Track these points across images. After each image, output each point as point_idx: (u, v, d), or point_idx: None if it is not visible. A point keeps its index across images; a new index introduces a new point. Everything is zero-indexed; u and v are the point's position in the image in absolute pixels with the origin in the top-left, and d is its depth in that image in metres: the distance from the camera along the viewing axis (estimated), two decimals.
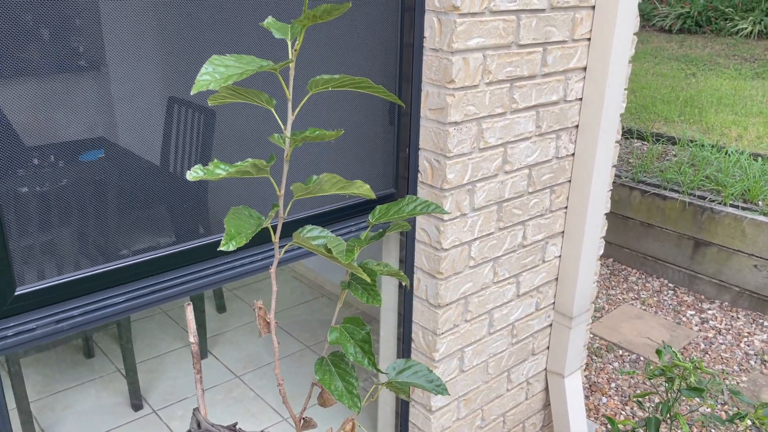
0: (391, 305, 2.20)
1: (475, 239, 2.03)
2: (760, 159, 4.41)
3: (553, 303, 2.46)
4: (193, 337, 0.97)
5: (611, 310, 3.85)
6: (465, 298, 2.08)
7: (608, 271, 4.34)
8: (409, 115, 1.88)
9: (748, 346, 3.49)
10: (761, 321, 3.71)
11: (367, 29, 1.76)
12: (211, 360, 3.13)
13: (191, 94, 0.79)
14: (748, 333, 3.61)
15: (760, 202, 3.87)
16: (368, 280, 0.93)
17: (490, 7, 1.75)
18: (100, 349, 3.18)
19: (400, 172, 1.98)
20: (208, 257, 1.60)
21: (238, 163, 0.87)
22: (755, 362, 3.34)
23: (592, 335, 3.58)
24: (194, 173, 0.84)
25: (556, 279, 2.43)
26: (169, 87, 1.53)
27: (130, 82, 1.44)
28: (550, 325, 2.49)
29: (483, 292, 2.13)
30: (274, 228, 1.01)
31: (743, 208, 3.81)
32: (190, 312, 0.97)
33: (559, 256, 2.39)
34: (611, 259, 4.49)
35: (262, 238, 1.69)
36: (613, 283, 4.19)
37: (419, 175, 1.95)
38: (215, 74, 0.82)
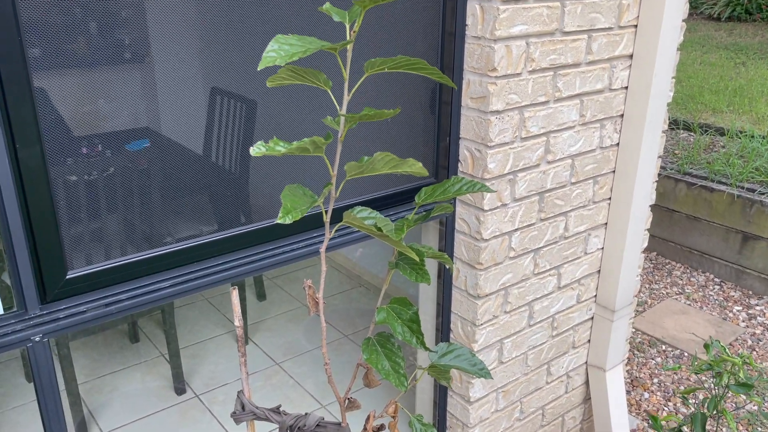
0: (430, 295, 2.19)
1: (516, 230, 2.01)
2: None
3: (595, 296, 2.42)
4: (238, 321, 0.99)
5: (654, 305, 3.76)
6: (505, 290, 2.06)
7: (651, 265, 4.25)
8: (450, 104, 1.87)
9: None
10: None
11: (409, 17, 1.75)
12: (251, 347, 3.18)
13: (258, 69, 0.82)
14: None
15: None
16: (416, 258, 0.94)
17: None
18: (145, 334, 3.26)
19: (440, 162, 1.97)
20: (251, 244, 1.62)
21: (297, 141, 0.89)
22: None
23: (634, 330, 3.51)
24: (257, 149, 0.87)
25: (598, 271, 2.39)
26: (212, 77, 1.55)
27: (174, 73, 1.46)
28: (592, 318, 2.45)
29: (523, 284, 2.11)
30: (325, 209, 1.02)
31: None
32: (235, 296, 0.98)
33: (602, 248, 2.35)
34: (655, 253, 4.39)
35: (306, 224, 1.70)
36: (656, 277, 4.10)
37: (459, 164, 1.94)
38: (281, 51, 0.84)
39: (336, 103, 0.93)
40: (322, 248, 0.99)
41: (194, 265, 1.53)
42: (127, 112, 1.43)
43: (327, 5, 0.92)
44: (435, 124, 1.93)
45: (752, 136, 4.55)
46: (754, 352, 3.30)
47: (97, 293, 1.40)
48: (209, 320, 3.39)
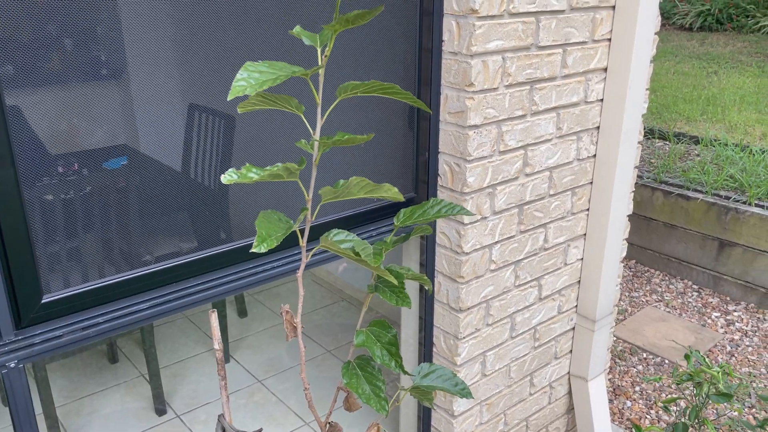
0: (412, 310, 2.19)
1: (496, 242, 2.02)
2: None
3: (576, 306, 2.44)
4: (217, 344, 0.98)
5: (634, 313, 3.80)
6: (486, 302, 2.07)
7: (631, 273, 4.29)
8: (429, 119, 1.88)
9: None
10: None
11: (386, 33, 1.76)
12: (233, 364, 3.15)
13: (228, 99, 0.80)
14: None
15: None
16: (395, 282, 0.93)
17: (509, 9, 1.74)
18: (124, 354, 3.21)
19: (420, 176, 1.98)
20: (231, 263, 1.61)
21: (270, 167, 0.88)
22: None
23: (615, 338, 3.54)
24: (228, 176, 0.86)
25: (579, 282, 2.41)
26: (190, 94, 1.54)
27: (151, 89, 1.45)
28: (573, 328, 2.47)
29: (504, 296, 2.12)
30: (301, 232, 1.01)
31: None
32: (214, 319, 0.97)
33: (581, 258, 2.37)
34: (634, 261, 4.44)
35: (284, 244, 1.69)
36: (636, 285, 4.14)
37: (439, 178, 1.94)
38: (250, 80, 0.83)
39: (309, 128, 0.92)
40: (299, 272, 0.99)
41: (173, 286, 1.51)
42: (104, 129, 1.42)
43: (297, 28, 0.92)
44: (414, 138, 1.94)
45: (726, 144, 4.63)
46: (733, 358, 3.34)
47: (74, 317, 1.38)
48: (189, 338, 3.35)
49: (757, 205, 3.79)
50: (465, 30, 1.70)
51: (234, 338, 3.36)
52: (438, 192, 1.97)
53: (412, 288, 2.17)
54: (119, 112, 1.43)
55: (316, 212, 0.97)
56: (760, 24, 8.98)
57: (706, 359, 1.96)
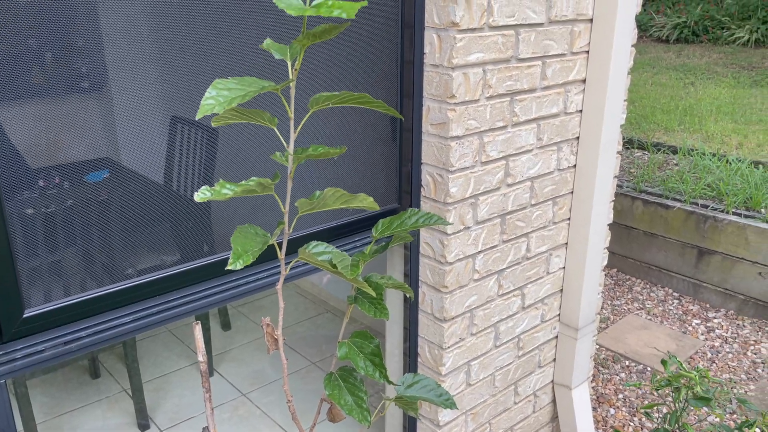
0: (397, 319, 2.20)
1: (479, 252, 2.04)
2: (761, 167, 4.42)
3: (559, 315, 2.46)
4: (201, 356, 0.98)
5: (617, 321, 3.84)
6: (470, 312, 2.08)
7: (612, 282, 4.34)
8: (411, 131, 1.90)
9: (755, 354, 3.47)
10: (767, 329, 3.70)
11: (368, 46, 1.78)
12: (216, 378, 3.12)
13: (196, 118, 0.80)
14: (755, 341, 3.59)
15: (762, 210, 3.87)
16: (373, 294, 0.94)
17: (489, 23, 1.77)
18: (106, 369, 3.17)
19: (403, 187, 1.99)
20: (213, 276, 1.61)
21: (244, 183, 0.88)
22: (763, 370, 3.33)
23: (598, 346, 3.57)
24: (202, 194, 0.86)
25: (561, 290, 2.43)
26: (171, 106, 1.55)
27: (133, 102, 1.46)
28: (556, 337, 2.49)
29: (488, 305, 2.13)
30: (280, 245, 1.02)
31: (746, 216, 3.82)
32: (198, 331, 0.97)
33: (563, 267, 2.39)
34: (615, 269, 4.48)
35: (266, 256, 1.69)
36: (617, 293, 4.18)
37: (422, 189, 1.96)
38: (219, 98, 0.83)
39: (283, 141, 0.93)
40: (278, 285, 0.99)
41: (156, 299, 1.51)
42: (85, 142, 1.42)
43: (267, 42, 0.93)
44: (397, 150, 1.95)
45: (703, 154, 4.71)
46: (714, 365, 3.38)
47: (56, 331, 1.37)
48: (172, 352, 3.32)
49: (734, 214, 3.86)
50: (446, 43, 1.73)
51: (218, 351, 3.33)
52: (421, 202, 1.98)
53: (396, 298, 2.18)
54: (100, 124, 1.43)
55: (293, 225, 0.98)
56: (734, 36, 9.17)
57: (684, 364, 1.99)
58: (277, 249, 0.97)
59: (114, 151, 1.46)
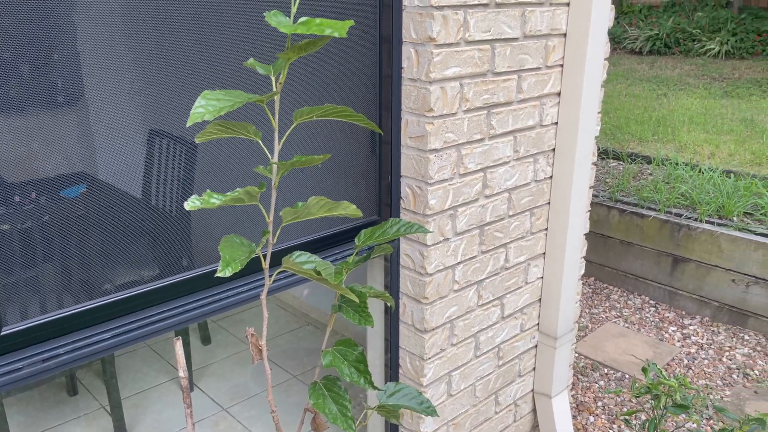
0: (378, 331, 2.21)
1: (459, 263, 2.06)
2: (732, 176, 4.52)
3: (538, 324, 2.49)
4: (182, 372, 0.98)
5: (595, 329, 3.88)
6: (451, 322, 2.10)
7: (590, 290, 4.39)
8: (390, 143, 1.92)
9: (730, 360, 3.54)
10: (741, 335, 3.77)
11: (348, 60, 1.80)
12: (197, 393, 3.09)
13: (187, 126, 0.82)
14: (730, 347, 3.66)
15: (734, 218, 3.96)
16: (357, 300, 0.96)
17: (465, 38, 1.80)
18: (84, 386, 3.13)
19: (383, 199, 2.01)
20: (194, 290, 1.61)
21: (231, 193, 0.90)
22: (738, 376, 3.39)
23: (577, 354, 3.61)
24: (191, 203, 0.87)
25: (540, 300, 2.46)
26: (150, 120, 1.55)
27: (110, 115, 1.45)
28: (536, 346, 2.52)
29: (468, 316, 2.15)
30: (263, 256, 1.03)
31: (718, 224, 3.90)
32: (179, 347, 0.98)
33: (542, 277, 2.43)
34: (593, 278, 4.54)
35: (247, 270, 1.70)
36: (595, 301, 4.23)
37: (402, 201, 1.98)
38: (208, 107, 0.85)
39: (267, 153, 0.95)
40: (263, 295, 1.00)
41: (135, 315, 1.50)
42: (61, 156, 1.41)
43: (251, 60, 0.94)
44: (376, 162, 1.97)
45: (676, 164, 4.81)
46: (690, 371, 3.44)
47: (34, 348, 1.35)
48: (151, 368, 3.29)
49: (707, 222, 3.94)
50: (423, 57, 1.76)
51: (198, 366, 3.31)
52: (401, 214, 2.00)
53: (377, 310, 2.19)
54: (77, 139, 1.43)
55: (277, 234, 0.99)
56: (705, 48, 9.38)
57: (663, 372, 2.02)
58: (262, 259, 0.99)
59: (91, 166, 1.46)
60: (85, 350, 1.41)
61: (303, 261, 0.97)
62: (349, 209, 0.93)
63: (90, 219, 1.47)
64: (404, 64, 1.82)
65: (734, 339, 3.73)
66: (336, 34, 0.77)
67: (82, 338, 1.41)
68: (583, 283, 4.48)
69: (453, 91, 1.83)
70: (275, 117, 0.91)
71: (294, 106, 1.71)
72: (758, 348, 3.64)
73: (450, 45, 1.77)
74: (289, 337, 3.59)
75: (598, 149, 5.42)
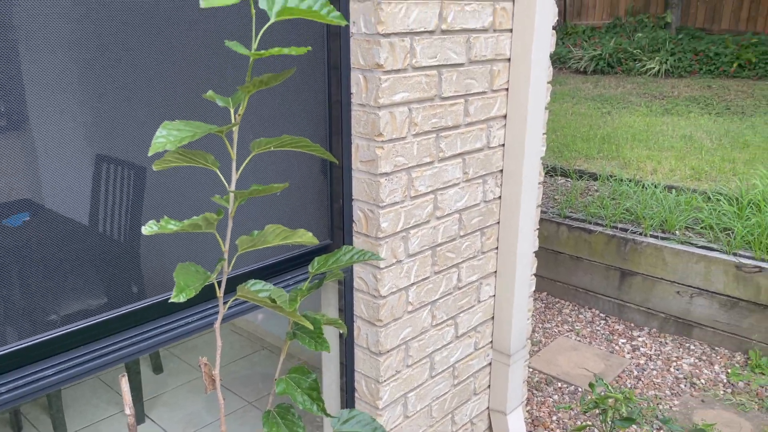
0: (333, 355, 2.20)
1: (412, 284, 2.08)
2: (674, 191, 4.70)
3: (491, 342, 2.53)
4: (129, 410, 0.96)
5: (548, 344, 3.95)
6: (405, 344, 2.11)
7: (543, 305, 4.47)
8: (342, 168, 1.93)
9: (678, 370, 3.65)
10: (687, 345, 3.90)
11: (298, 87, 1.82)
12: (148, 424, 3.01)
13: (149, 155, 0.82)
14: (677, 357, 3.78)
15: (677, 232, 4.11)
16: (311, 327, 0.96)
17: (412, 64, 1.84)
18: (29, 421, 3.01)
19: (335, 223, 2.02)
20: (145, 320, 1.58)
21: (189, 219, 0.90)
22: (685, 385, 3.50)
23: (531, 369, 3.67)
24: (149, 228, 0.87)
25: (492, 318, 2.50)
26: (97, 145, 1.52)
27: (56, 140, 1.43)
28: (490, 363, 2.55)
29: (423, 336, 2.17)
30: (219, 284, 1.03)
31: (662, 238, 4.04)
32: (124, 384, 0.96)
33: (494, 295, 2.47)
34: (545, 293, 4.63)
35: (200, 297, 1.68)
36: (548, 316, 4.32)
37: (354, 225, 1.99)
38: (170, 137, 0.86)
39: (225, 182, 0.95)
40: (217, 323, 1.00)
41: (83, 348, 1.46)
42: (3, 183, 1.37)
43: (210, 93, 0.95)
44: (328, 187, 1.98)
45: (621, 180, 4.97)
46: (640, 382, 3.53)
47: None
48: (101, 399, 3.19)
49: (651, 236, 4.08)
50: (372, 83, 1.78)
51: (149, 396, 3.22)
52: (354, 238, 2.01)
53: (332, 333, 2.19)
54: (20, 164, 1.39)
55: (232, 263, 0.99)
56: (646, 67, 9.77)
57: (610, 387, 2.08)
58: (216, 287, 0.99)
59: (35, 193, 1.43)
60: (28, 387, 1.36)
61: (258, 289, 0.97)
62: (305, 237, 0.94)
63: (34, 248, 1.44)
64: (353, 90, 1.84)
65: (681, 349, 3.86)
66: (294, 53, 0.79)
67: (25, 375, 1.36)
68: (535, 299, 4.57)
69: (402, 116, 1.86)
70: (233, 147, 0.92)
71: (247, 132, 1.71)
72: (703, 357, 3.77)
73: (398, 71, 1.80)
74: (243, 362, 3.53)
75: (547, 167, 5.56)
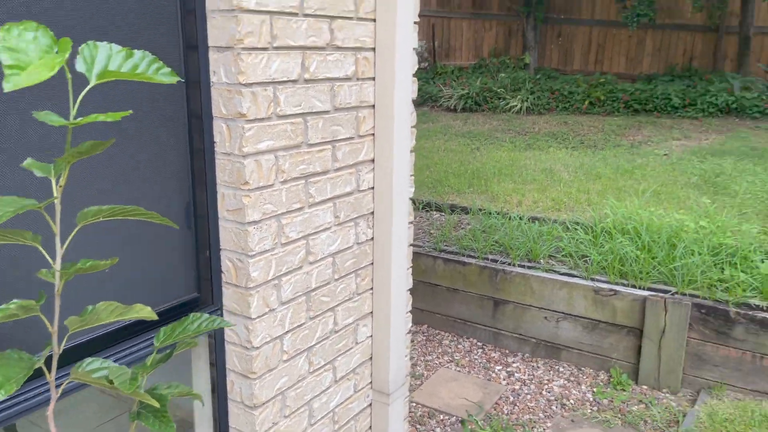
0: (206, 412, 2.11)
1: (287, 332, 2.05)
2: (537, 222, 5.01)
3: (371, 382, 2.53)
4: None
5: (430, 376, 4.03)
6: (282, 394, 2.06)
7: (424, 338, 4.57)
8: (207, 218, 1.88)
9: (549, 392, 3.85)
10: (557, 367, 4.13)
11: (155, 136, 1.76)
12: None
13: None
14: (548, 380, 3.98)
15: (541, 260, 4.38)
16: (157, 405, 0.91)
17: (276, 112, 1.84)
18: None
19: (202, 275, 1.95)
20: None
21: (4, 306, 0.82)
22: (556, 407, 3.69)
23: (414, 403, 3.71)
24: None
25: (371, 358, 2.51)
26: None
27: None
28: (370, 404, 2.55)
29: (300, 384, 2.14)
30: (48, 365, 0.95)
31: (529, 267, 4.28)
32: None
33: (371, 336, 2.49)
34: (426, 325, 4.73)
35: (32, 374, 1.53)
36: (429, 348, 4.41)
37: (223, 275, 1.94)
38: None
39: (49, 259, 0.89)
40: (49, 410, 0.92)
41: None
42: None
43: (29, 161, 0.89)
44: (193, 238, 1.92)
45: (490, 213, 5.23)
46: (516, 407, 3.68)
47: None
48: None
49: (519, 266, 4.31)
50: (235, 132, 1.77)
51: None
52: (223, 288, 1.96)
53: (204, 389, 2.09)
54: None
55: (63, 343, 0.92)
56: (509, 105, 10.44)
57: (480, 422, 2.14)
58: (46, 372, 0.90)
59: None
60: None
61: (94, 369, 0.90)
62: (142, 312, 0.89)
63: None
64: (216, 139, 1.81)
65: (551, 372, 4.08)
66: (109, 119, 0.76)
67: None
68: (416, 331, 4.65)
69: (268, 164, 1.85)
70: (56, 222, 0.86)
71: (91, 192, 1.62)
72: (572, 378, 4.01)
73: (262, 120, 1.80)
74: (110, 426, 3.28)
75: (423, 202, 5.74)
